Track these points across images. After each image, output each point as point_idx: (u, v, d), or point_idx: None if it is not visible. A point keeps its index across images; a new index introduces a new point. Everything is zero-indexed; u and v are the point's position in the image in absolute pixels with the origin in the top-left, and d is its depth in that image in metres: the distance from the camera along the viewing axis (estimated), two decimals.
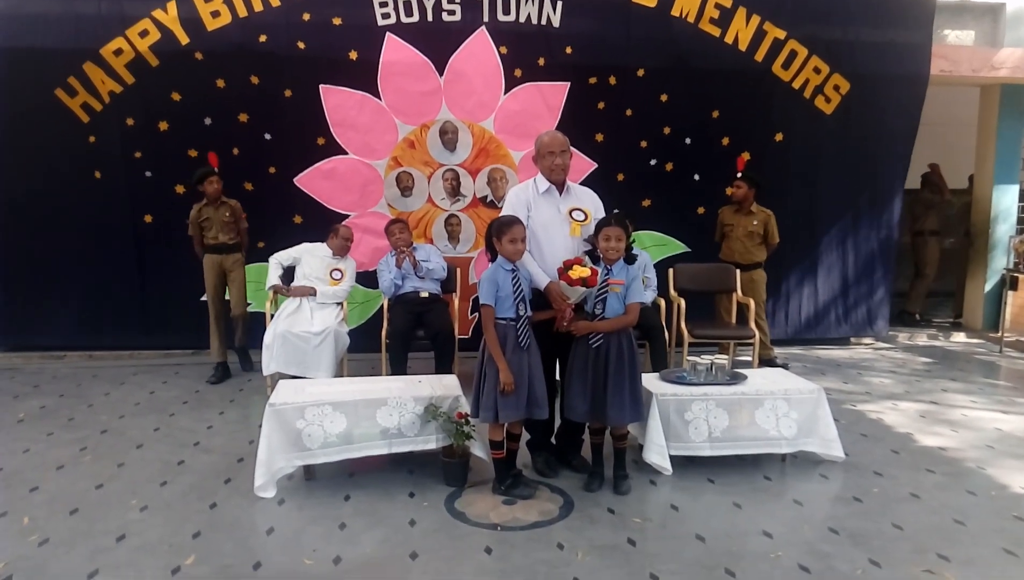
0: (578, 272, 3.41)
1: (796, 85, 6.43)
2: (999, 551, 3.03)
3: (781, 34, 6.28)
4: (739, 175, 5.93)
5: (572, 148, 6.25)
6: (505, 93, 6.06)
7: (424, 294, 5.29)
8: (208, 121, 5.85)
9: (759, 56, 6.30)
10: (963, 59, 6.89)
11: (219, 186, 5.46)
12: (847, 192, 6.72)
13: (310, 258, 5.36)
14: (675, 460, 3.75)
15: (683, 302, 5.59)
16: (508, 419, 3.40)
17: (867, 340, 7.03)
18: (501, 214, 3.73)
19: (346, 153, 5.99)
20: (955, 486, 3.71)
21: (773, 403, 3.82)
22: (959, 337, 7.38)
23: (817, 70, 6.41)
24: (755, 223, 5.93)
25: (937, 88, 6.79)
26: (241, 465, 3.86)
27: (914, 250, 7.78)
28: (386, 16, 5.82)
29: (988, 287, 7.44)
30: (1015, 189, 7.40)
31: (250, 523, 3.25)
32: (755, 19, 6.22)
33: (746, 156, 6.22)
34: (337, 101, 5.89)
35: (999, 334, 7.04)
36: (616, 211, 3.73)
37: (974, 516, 3.36)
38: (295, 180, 5.98)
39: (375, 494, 3.52)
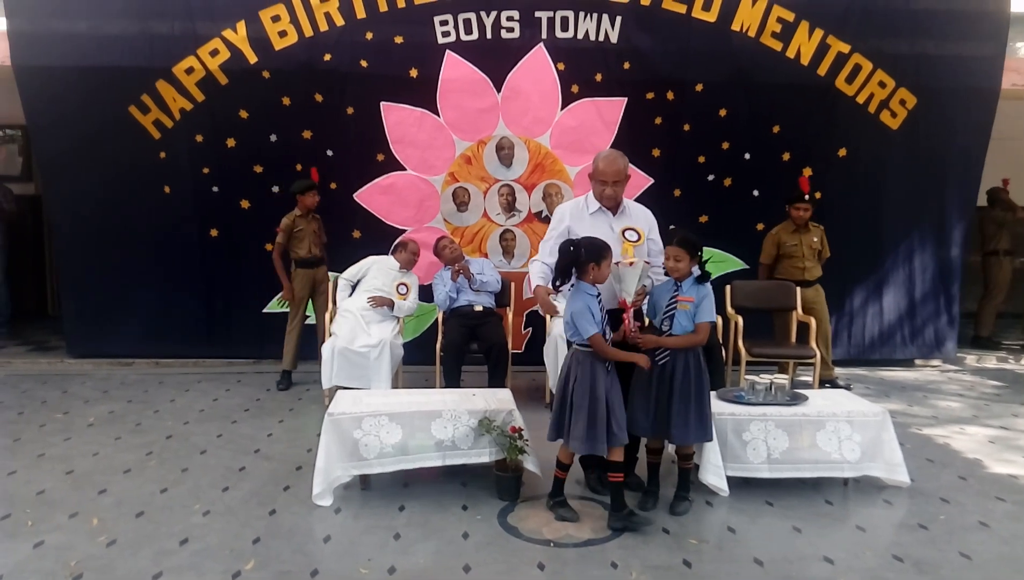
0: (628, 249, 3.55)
1: (860, 100, 6.28)
2: None
3: (845, 48, 6.15)
4: (806, 197, 5.78)
5: (630, 164, 6.26)
6: (562, 109, 6.09)
7: (478, 308, 5.33)
8: (273, 138, 6.03)
9: (822, 70, 6.19)
10: None
11: (317, 200, 5.68)
12: (914, 209, 6.51)
13: (377, 271, 5.45)
14: (732, 481, 3.68)
15: (740, 320, 5.49)
16: (598, 452, 3.30)
17: (934, 362, 6.78)
18: (549, 230, 3.77)
19: (404, 169, 6.10)
20: None
21: (835, 425, 3.72)
22: None
23: (882, 84, 6.26)
24: (815, 240, 5.84)
25: (1009, 102, 6.55)
26: (299, 473, 3.94)
27: (984, 269, 7.48)
28: (446, 34, 5.93)
29: None
30: None
31: (308, 530, 3.31)
32: (818, 33, 6.11)
33: (808, 172, 6.09)
34: (397, 118, 6.01)
35: None
36: (672, 227, 3.70)
37: None
38: (355, 195, 6.12)
39: (429, 506, 3.55)
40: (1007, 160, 7.27)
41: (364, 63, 5.93)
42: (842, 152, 6.37)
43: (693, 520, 3.47)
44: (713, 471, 3.66)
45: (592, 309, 3.30)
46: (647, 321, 3.69)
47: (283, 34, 5.88)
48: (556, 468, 3.52)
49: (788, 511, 3.55)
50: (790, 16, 6.06)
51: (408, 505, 3.56)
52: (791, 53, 6.14)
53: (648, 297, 3.57)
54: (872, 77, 6.23)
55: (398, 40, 5.92)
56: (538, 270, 3.72)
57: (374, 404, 3.76)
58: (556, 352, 5.06)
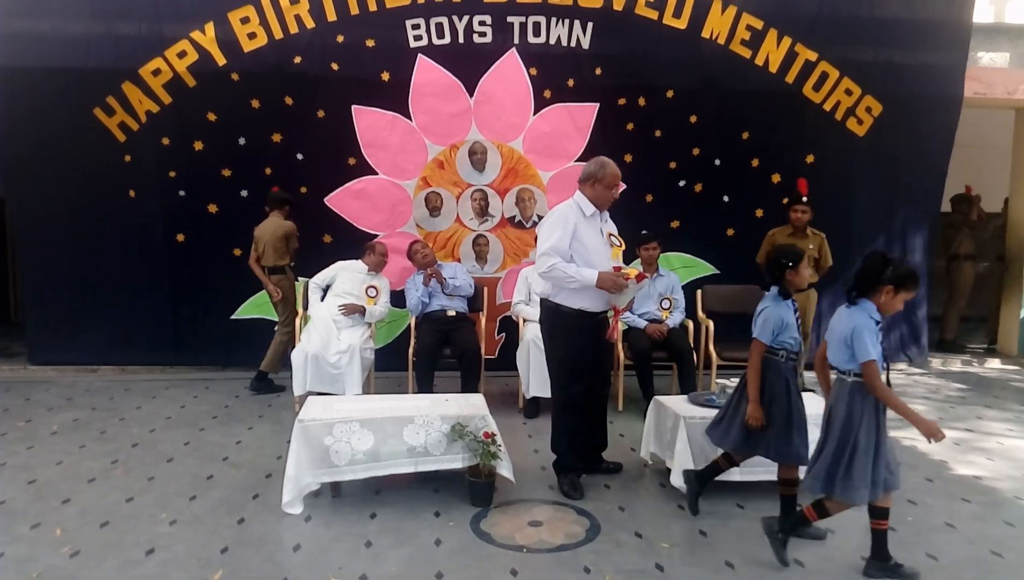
0: (632, 271, 3.63)
1: (827, 107, 6.39)
2: None
3: (812, 56, 6.26)
4: (805, 199, 5.72)
5: None
6: (534, 114, 6.11)
7: (451, 313, 5.31)
8: (242, 141, 5.97)
9: (790, 78, 6.29)
10: (997, 81, 6.81)
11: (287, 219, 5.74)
12: (880, 214, 6.64)
13: (345, 275, 5.41)
14: None
15: (711, 324, 5.54)
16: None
17: (900, 365, 6.91)
18: (548, 231, 3.63)
19: (376, 173, 6.06)
20: (992, 516, 3.62)
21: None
22: (994, 363, 7.21)
23: (849, 92, 6.38)
24: (811, 247, 5.79)
25: (971, 110, 6.70)
26: (269, 481, 3.89)
27: (947, 274, 7.64)
28: (418, 38, 5.91)
29: None
30: None
31: (277, 539, 3.27)
32: (786, 41, 6.21)
33: (801, 182, 6.13)
34: (369, 121, 5.98)
35: None
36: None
37: (1012, 547, 3.27)
38: (325, 200, 6.06)
39: (401, 512, 3.53)
40: (969, 167, 7.44)
41: (335, 66, 5.89)
42: (810, 158, 6.47)
43: (664, 524, 3.48)
44: (685, 475, 3.67)
45: (784, 317, 3.17)
46: None
47: (252, 36, 5.82)
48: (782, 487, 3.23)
49: (759, 513, 3.54)
50: (759, 24, 6.15)
51: (380, 512, 3.53)
52: (760, 60, 6.23)
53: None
54: (839, 85, 6.35)
55: (369, 43, 5.89)
56: (572, 270, 3.59)
57: (345, 410, 3.73)
58: (529, 357, 5.06)
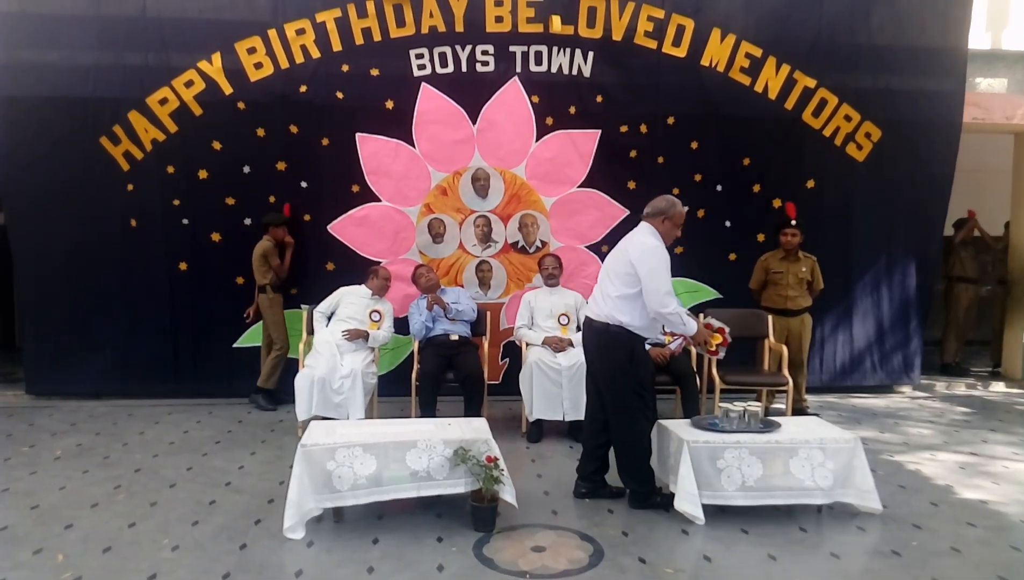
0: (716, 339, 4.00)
1: (827, 133, 6.45)
2: None
3: (811, 83, 6.33)
4: (794, 223, 5.83)
5: (605, 195, 6.35)
6: (537, 141, 6.17)
7: (454, 337, 5.33)
8: (247, 169, 6.02)
9: (789, 104, 6.35)
10: (995, 107, 6.87)
11: (287, 237, 5.93)
12: (881, 239, 6.65)
13: (348, 300, 5.44)
14: (707, 509, 3.69)
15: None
16: None
17: (904, 389, 6.88)
18: (658, 269, 3.73)
19: (379, 200, 6.11)
20: (998, 541, 3.59)
21: (808, 452, 3.75)
22: (998, 386, 7.18)
23: (848, 118, 6.43)
24: (804, 269, 5.88)
25: (971, 135, 6.75)
26: (271, 506, 3.88)
27: (946, 297, 7.65)
28: (422, 67, 6.00)
29: None
30: None
31: (279, 565, 3.26)
32: (785, 68, 6.28)
33: (787, 204, 6.22)
34: (372, 149, 6.04)
35: None
36: None
37: (1019, 572, 3.25)
38: (329, 227, 6.10)
39: (403, 537, 3.51)
40: (971, 191, 7.48)
41: (340, 95, 5.97)
42: (810, 184, 6.51)
43: (668, 549, 3.46)
44: (688, 499, 3.66)
45: None
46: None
47: (259, 66, 5.91)
48: None
49: (763, 538, 3.56)
50: (758, 52, 6.23)
51: (382, 538, 3.51)
52: (759, 88, 6.30)
53: None
54: (838, 111, 6.41)
55: (374, 72, 5.98)
56: (686, 317, 3.84)
57: (348, 435, 3.72)
58: (531, 380, 5.07)
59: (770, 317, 5.82)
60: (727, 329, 4.10)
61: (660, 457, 4.00)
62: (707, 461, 3.72)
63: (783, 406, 5.57)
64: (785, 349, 5.65)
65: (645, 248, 3.80)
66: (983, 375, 7.53)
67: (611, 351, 3.85)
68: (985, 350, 7.97)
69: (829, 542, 3.55)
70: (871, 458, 4.06)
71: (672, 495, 3.77)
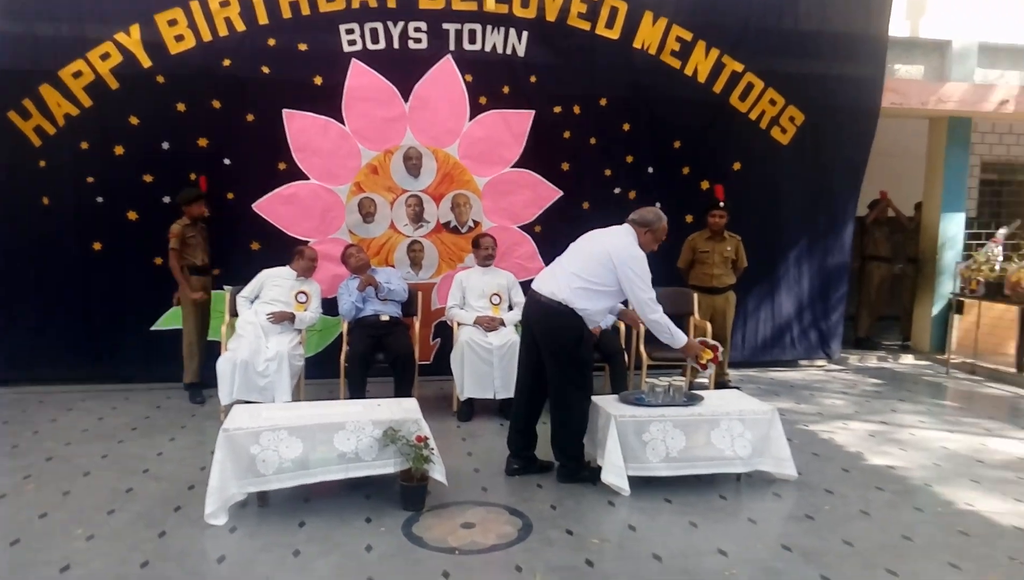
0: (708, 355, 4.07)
1: (753, 116, 6.61)
2: (945, 565, 3.10)
3: (739, 67, 6.46)
4: (721, 204, 6.05)
5: (538, 176, 6.38)
6: (470, 120, 6.13)
7: (385, 317, 5.28)
8: (166, 145, 5.78)
9: (717, 88, 6.48)
10: (912, 92, 7.15)
11: (205, 211, 5.56)
12: (803, 220, 6.89)
13: (273, 282, 5.31)
14: (633, 481, 3.78)
15: (642, 326, 5.63)
16: None
17: (819, 362, 7.17)
18: (642, 274, 3.87)
19: (307, 178, 5.97)
20: (903, 503, 3.79)
21: (728, 424, 3.88)
22: (907, 359, 7.57)
23: (773, 102, 6.60)
24: (729, 249, 6.07)
25: (888, 120, 7.03)
26: (192, 492, 3.78)
27: (860, 275, 7.99)
28: (352, 43, 5.86)
29: (935, 311, 7.66)
30: (961, 217, 7.66)
31: (200, 551, 3.18)
32: (714, 52, 6.39)
33: (715, 185, 6.37)
34: (300, 126, 5.90)
35: (946, 356, 7.23)
36: None
37: (921, 532, 3.43)
38: (254, 206, 5.92)
39: (331, 520, 3.48)
40: (887, 174, 7.81)
41: (266, 69, 5.79)
42: (737, 166, 6.68)
43: (595, 520, 3.53)
44: (615, 472, 3.75)
45: None
46: None
47: (180, 38, 5.67)
48: None
49: (685, 507, 3.67)
50: (688, 36, 6.32)
51: (309, 520, 3.47)
52: (689, 71, 6.40)
53: None
54: (764, 95, 6.57)
55: (302, 47, 5.81)
56: (672, 328, 3.98)
57: (273, 418, 3.65)
58: (463, 360, 5.07)
59: (696, 295, 5.97)
60: (720, 348, 4.22)
61: (589, 432, 4.07)
62: (633, 435, 3.81)
63: (706, 381, 5.74)
64: (710, 325, 5.81)
65: (631, 256, 3.88)
66: (893, 348, 7.92)
67: (562, 331, 3.89)
68: (896, 325, 8.37)
69: (747, 508, 3.69)
70: (787, 428, 4.23)
71: (599, 468, 3.84)
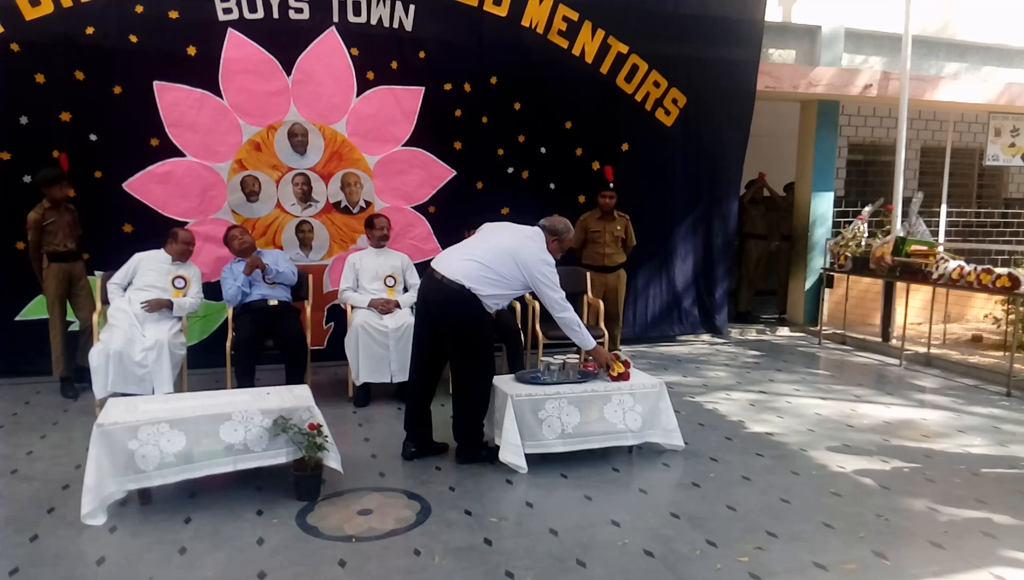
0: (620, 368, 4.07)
1: (639, 98, 6.77)
2: (820, 525, 3.33)
3: (624, 48, 6.59)
4: (611, 185, 6.21)
5: (431, 155, 6.26)
6: (357, 96, 5.95)
7: (273, 302, 5.09)
8: (24, 120, 5.30)
9: (604, 69, 6.59)
10: (785, 76, 7.53)
11: (68, 192, 5.10)
12: (688, 199, 7.16)
13: (147, 266, 4.98)
14: (530, 458, 3.83)
15: (538, 305, 5.71)
16: None
17: (705, 336, 7.51)
18: (551, 274, 3.93)
19: (184, 155, 5.63)
20: (781, 468, 4.03)
21: (620, 398, 4.00)
22: (784, 331, 8.06)
23: (657, 84, 6.79)
24: (619, 228, 6.24)
25: (764, 102, 7.38)
26: (66, 492, 3.54)
27: (740, 252, 8.41)
28: (228, 11, 5.55)
29: (808, 285, 8.18)
30: (830, 196, 8.18)
31: (77, 554, 2.98)
32: (600, 33, 6.49)
33: (605, 166, 6.50)
34: (173, 99, 5.54)
35: (818, 328, 7.75)
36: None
37: (798, 494, 3.67)
38: (125, 185, 5.54)
39: (220, 514, 3.34)
40: (764, 155, 8.21)
41: (134, 38, 5.40)
42: (625, 146, 6.84)
43: (494, 499, 3.57)
44: (512, 450, 3.79)
45: None
46: None
47: (36, 3, 5.18)
48: None
49: (580, 481, 3.77)
50: (574, 15, 6.38)
51: (195, 516, 3.32)
52: (576, 51, 6.47)
53: None
54: (648, 77, 6.74)
55: (173, 15, 5.45)
56: (581, 327, 4.05)
57: (152, 411, 3.46)
58: (357, 343, 4.97)
59: (589, 274, 6.10)
60: (631, 363, 4.25)
61: (488, 411, 4.09)
62: (530, 413, 3.86)
63: None
64: (602, 304, 5.96)
65: (542, 261, 3.95)
66: (771, 321, 8.41)
67: (463, 313, 3.88)
68: (773, 299, 8.89)
69: (639, 479, 3.83)
70: (675, 400, 4.42)
71: (497, 448, 3.88)
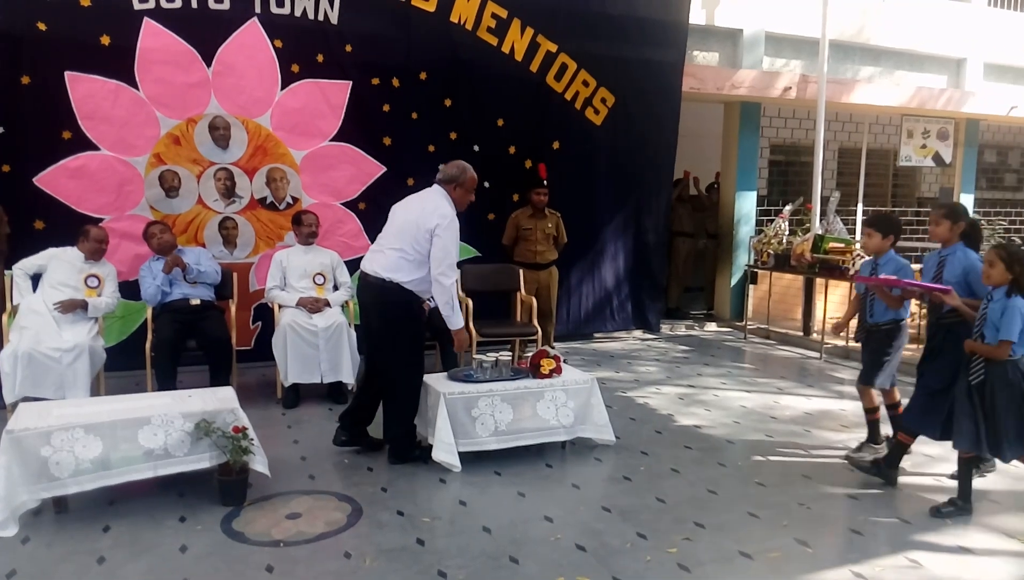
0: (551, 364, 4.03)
1: (568, 96, 6.82)
2: (745, 515, 3.43)
3: (553, 47, 6.62)
4: (544, 182, 6.27)
5: (360, 150, 6.16)
6: (282, 89, 5.79)
7: (195, 301, 4.93)
8: None
9: (534, 67, 6.60)
10: (709, 78, 7.73)
11: None
12: (619, 197, 7.25)
13: (59, 264, 4.73)
14: (464, 456, 3.82)
15: (471, 302, 5.71)
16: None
17: (637, 332, 7.65)
18: (451, 241, 3.76)
19: (98, 149, 5.37)
20: (709, 460, 4.14)
21: (552, 394, 4.02)
22: (711, 327, 8.28)
23: (586, 83, 6.85)
24: (550, 225, 6.30)
25: (689, 103, 7.55)
26: None
27: (669, 250, 8.58)
28: (143, 0, 5.32)
29: (733, 282, 8.42)
30: (753, 195, 8.44)
31: None
32: (529, 31, 6.50)
33: (538, 165, 6.52)
34: (86, 90, 5.27)
35: (743, 323, 7.99)
36: None
37: (724, 485, 3.77)
38: (35, 180, 5.24)
39: (140, 522, 3.21)
40: (690, 155, 8.40)
41: (42, 26, 5.11)
42: (556, 145, 6.87)
43: (427, 499, 3.54)
44: (445, 449, 3.77)
45: None
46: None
47: None
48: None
49: (514, 478, 3.77)
50: (503, 12, 6.37)
51: (114, 524, 3.18)
52: (506, 48, 6.47)
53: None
54: (577, 76, 6.79)
55: (85, 3, 5.18)
56: (455, 298, 3.89)
57: (66, 416, 3.30)
58: (285, 343, 4.85)
59: (521, 271, 6.13)
60: (563, 358, 4.24)
61: (419, 411, 4.05)
62: (463, 411, 3.85)
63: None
64: (535, 301, 5.99)
65: (445, 219, 3.79)
66: (699, 317, 8.62)
67: (389, 308, 3.84)
68: (701, 295, 9.12)
69: (572, 474, 3.87)
70: (607, 395, 4.47)
71: (431, 447, 3.85)
